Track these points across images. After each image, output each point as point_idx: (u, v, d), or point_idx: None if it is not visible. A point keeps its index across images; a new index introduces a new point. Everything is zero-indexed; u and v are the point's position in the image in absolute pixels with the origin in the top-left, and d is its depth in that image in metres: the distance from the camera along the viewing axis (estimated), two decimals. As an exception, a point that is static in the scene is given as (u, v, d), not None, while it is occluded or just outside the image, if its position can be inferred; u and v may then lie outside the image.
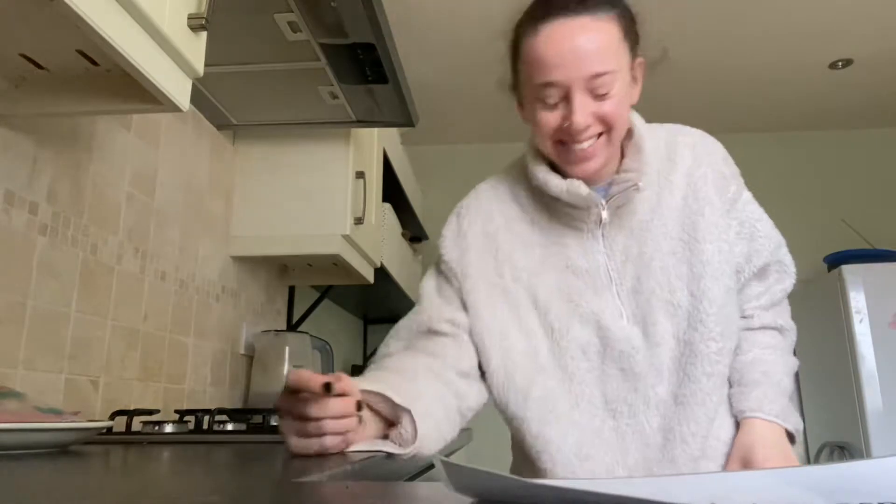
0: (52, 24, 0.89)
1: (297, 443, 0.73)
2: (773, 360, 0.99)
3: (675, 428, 0.93)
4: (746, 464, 0.92)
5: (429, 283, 1.06)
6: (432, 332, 1.00)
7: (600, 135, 0.92)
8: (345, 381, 0.74)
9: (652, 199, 0.99)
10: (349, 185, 1.96)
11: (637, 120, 1.01)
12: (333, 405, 0.71)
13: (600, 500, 0.29)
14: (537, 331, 0.99)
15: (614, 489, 0.29)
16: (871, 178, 3.71)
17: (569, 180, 0.96)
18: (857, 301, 3.03)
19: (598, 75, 0.88)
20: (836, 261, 3.20)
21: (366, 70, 1.54)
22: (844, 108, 3.56)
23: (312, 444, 0.72)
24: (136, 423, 1.25)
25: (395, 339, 1.03)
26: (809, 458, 3.34)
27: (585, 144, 0.92)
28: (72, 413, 0.87)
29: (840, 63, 3.13)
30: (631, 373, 0.95)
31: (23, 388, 1.00)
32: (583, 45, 0.88)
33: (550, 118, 0.92)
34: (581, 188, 0.95)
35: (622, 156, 1.00)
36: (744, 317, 1.02)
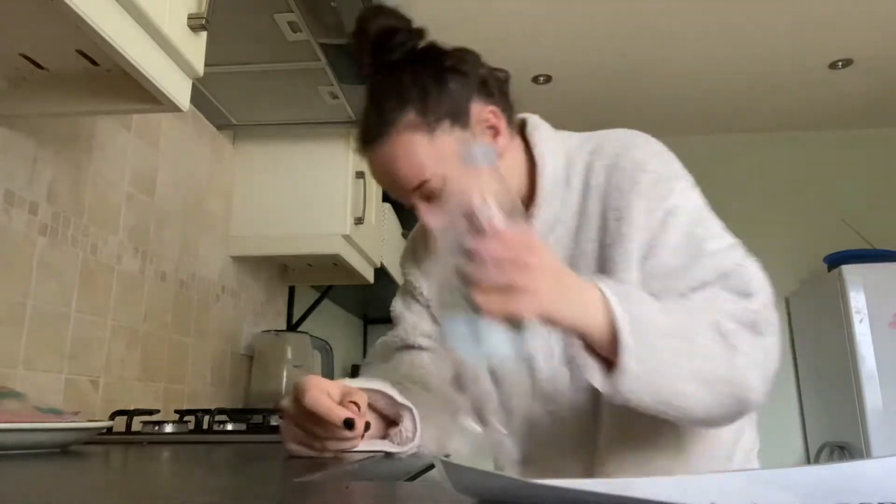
0: (52, 24, 0.89)
1: (295, 448, 0.74)
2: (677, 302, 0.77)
3: (600, 470, 0.89)
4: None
5: (397, 304, 1.05)
6: (408, 347, 1.00)
7: None
8: (361, 405, 0.73)
9: (572, 233, 0.91)
10: (349, 185, 1.96)
11: (543, 146, 0.91)
12: (343, 433, 0.71)
13: (600, 500, 0.28)
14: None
15: (614, 489, 0.29)
16: (871, 178, 3.71)
17: None
18: (857, 301, 3.03)
19: (419, 186, 0.85)
20: (836, 261, 3.20)
21: (366, 70, 1.54)
22: (844, 108, 3.56)
23: (310, 453, 0.74)
24: (136, 423, 1.25)
25: (374, 356, 1.04)
26: (809, 458, 3.34)
27: None
28: (72, 413, 0.87)
29: (840, 63, 3.13)
30: (558, 416, 0.91)
31: (23, 388, 1.00)
32: (389, 172, 0.86)
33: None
34: None
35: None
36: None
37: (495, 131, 0.89)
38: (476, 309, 0.62)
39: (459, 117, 0.86)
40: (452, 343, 0.63)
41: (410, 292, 1.05)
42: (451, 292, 0.63)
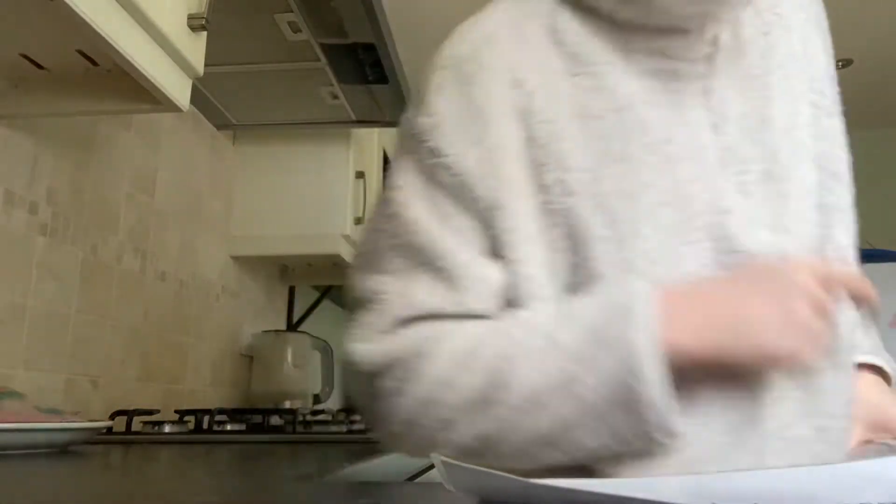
0: (52, 24, 0.89)
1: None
2: None
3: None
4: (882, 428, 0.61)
5: (416, 208, 0.58)
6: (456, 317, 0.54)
7: None
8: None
9: (759, 39, 0.63)
10: (349, 185, 1.96)
11: None
12: None
13: (600, 500, 0.28)
14: (614, 279, 0.53)
15: (614, 489, 0.29)
16: (871, 178, 3.70)
17: None
18: (857, 301, 3.03)
19: None
20: (836, 261, 3.20)
21: (366, 70, 1.54)
22: (844, 108, 3.56)
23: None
24: (136, 423, 1.25)
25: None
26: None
27: None
28: (72, 413, 0.87)
29: (840, 63, 3.13)
30: None
31: (23, 388, 1.00)
32: None
33: None
34: None
35: None
36: None
37: None
38: None
39: None
40: None
41: (455, 195, 0.56)
42: None
